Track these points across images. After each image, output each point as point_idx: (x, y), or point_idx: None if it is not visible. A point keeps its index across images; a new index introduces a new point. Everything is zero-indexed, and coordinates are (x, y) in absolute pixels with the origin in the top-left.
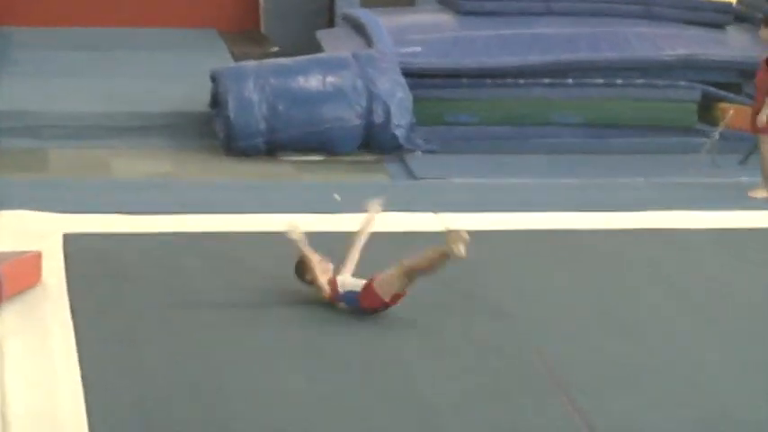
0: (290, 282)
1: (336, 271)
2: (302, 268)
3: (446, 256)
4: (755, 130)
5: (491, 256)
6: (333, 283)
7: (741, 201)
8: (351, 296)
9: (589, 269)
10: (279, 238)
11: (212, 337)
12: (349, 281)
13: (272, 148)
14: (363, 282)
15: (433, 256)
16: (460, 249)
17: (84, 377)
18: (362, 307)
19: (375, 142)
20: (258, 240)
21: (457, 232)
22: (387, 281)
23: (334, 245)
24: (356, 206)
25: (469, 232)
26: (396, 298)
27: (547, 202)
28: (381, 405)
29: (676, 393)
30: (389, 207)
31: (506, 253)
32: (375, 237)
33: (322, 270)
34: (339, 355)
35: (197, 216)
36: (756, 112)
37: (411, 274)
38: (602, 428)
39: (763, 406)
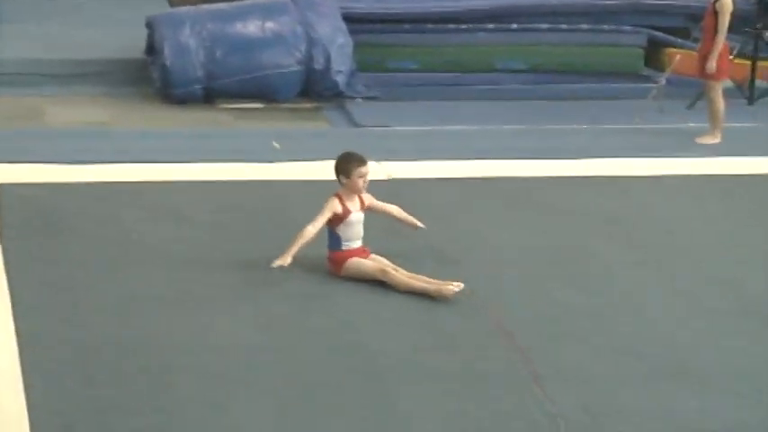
0: (230, 231)
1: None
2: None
3: (427, 292)
4: (703, 75)
5: (435, 205)
6: (345, 208)
7: (688, 147)
8: (334, 243)
9: (534, 216)
10: (217, 186)
11: (150, 288)
12: (352, 226)
13: (210, 95)
14: (358, 241)
15: (415, 284)
16: (447, 297)
17: (18, 329)
18: (328, 257)
19: (315, 89)
20: (196, 189)
21: (452, 288)
22: (361, 269)
23: (274, 194)
24: (295, 154)
25: (412, 180)
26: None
27: (491, 150)
28: (326, 355)
29: (627, 344)
30: (329, 155)
31: (450, 201)
32: (315, 185)
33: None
34: (283, 306)
35: (134, 165)
36: (703, 57)
37: (383, 277)
38: (550, 377)
39: (715, 356)
